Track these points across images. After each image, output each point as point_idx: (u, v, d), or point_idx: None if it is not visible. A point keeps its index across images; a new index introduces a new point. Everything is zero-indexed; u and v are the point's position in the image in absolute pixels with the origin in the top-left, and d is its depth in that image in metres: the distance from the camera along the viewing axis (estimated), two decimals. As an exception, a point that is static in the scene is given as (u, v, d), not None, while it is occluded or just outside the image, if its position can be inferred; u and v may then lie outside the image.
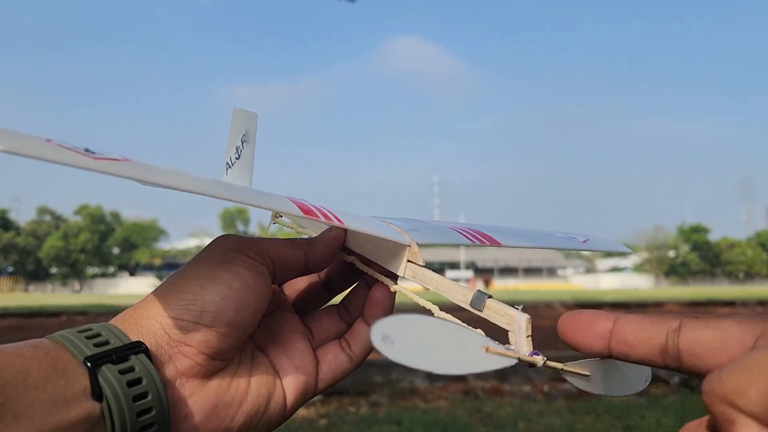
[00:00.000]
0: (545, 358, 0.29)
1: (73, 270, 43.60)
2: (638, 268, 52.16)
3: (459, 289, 0.34)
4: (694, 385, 4.51)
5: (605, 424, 3.41)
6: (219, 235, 0.37)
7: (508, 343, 0.30)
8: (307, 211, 0.33)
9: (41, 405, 0.28)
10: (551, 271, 56.27)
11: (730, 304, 14.23)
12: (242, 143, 0.54)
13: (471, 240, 0.43)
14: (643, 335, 0.25)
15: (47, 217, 45.41)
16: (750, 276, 49.64)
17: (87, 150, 0.28)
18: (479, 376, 4.44)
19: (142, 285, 40.64)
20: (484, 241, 0.43)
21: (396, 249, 0.38)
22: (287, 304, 0.42)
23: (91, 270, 45.66)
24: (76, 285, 43.64)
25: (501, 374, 4.40)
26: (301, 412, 3.62)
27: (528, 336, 0.29)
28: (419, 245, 0.38)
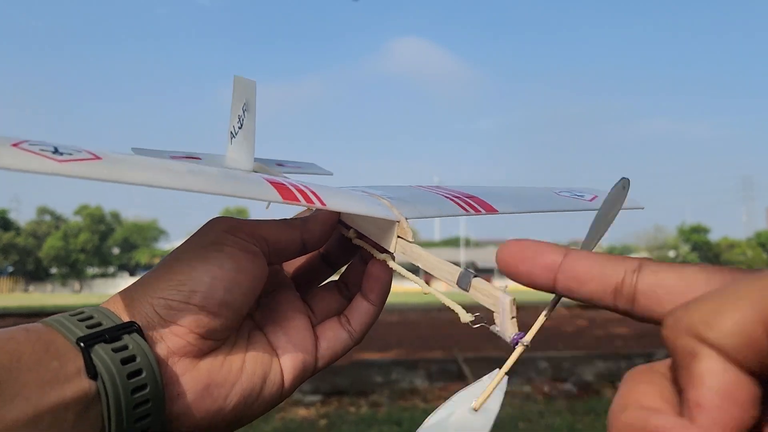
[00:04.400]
0: (528, 342, 0.28)
1: (73, 270, 43.59)
2: (638, 268, 51.96)
3: (446, 267, 0.33)
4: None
5: (605, 424, 3.41)
6: (212, 218, 0.37)
7: (494, 323, 0.29)
8: (287, 196, 0.32)
9: (36, 386, 0.28)
10: (551, 271, 56.12)
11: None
12: (243, 112, 0.54)
13: (465, 209, 0.41)
14: (597, 271, 0.23)
15: (47, 217, 45.41)
16: (750, 276, 49.57)
17: (56, 150, 0.28)
18: (479, 376, 4.42)
19: (142, 285, 40.56)
20: (480, 209, 0.41)
21: (386, 225, 0.37)
22: (287, 282, 0.41)
23: (91, 270, 45.64)
24: (76, 285, 43.62)
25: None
26: (301, 412, 3.62)
27: (512, 317, 0.29)
28: (410, 219, 0.37)
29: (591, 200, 0.47)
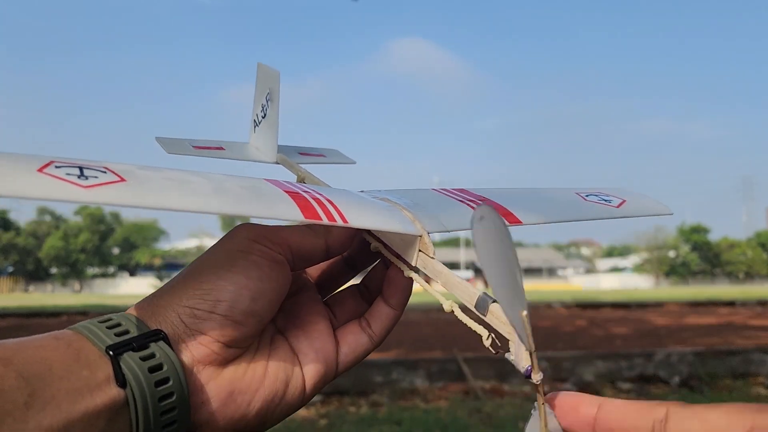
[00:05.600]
0: (541, 377, 0.28)
1: (73, 270, 43.54)
2: (638, 269, 52.10)
3: (466, 288, 0.33)
4: (694, 386, 4.51)
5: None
6: (238, 224, 0.37)
7: (509, 351, 0.29)
8: (309, 214, 0.32)
9: (67, 394, 0.28)
10: (551, 272, 56.20)
11: (730, 304, 14.23)
12: (267, 101, 0.54)
13: None
14: (628, 424, 0.25)
15: (47, 217, 45.36)
16: (750, 276, 49.59)
17: (81, 173, 0.28)
18: (479, 376, 4.43)
19: (143, 285, 40.58)
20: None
21: (408, 237, 0.37)
22: (309, 285, 0.41)
23: (91, 270, 45.59)
24: (76, 285, 43.60)
25: (501, 374, 4.40)
26: (301, 412, 3.61)
27: (527, 349, 0.29)
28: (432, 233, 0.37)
29: (619, 206, 0.45)
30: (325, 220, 0.33)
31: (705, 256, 50.10)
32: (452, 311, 0.35)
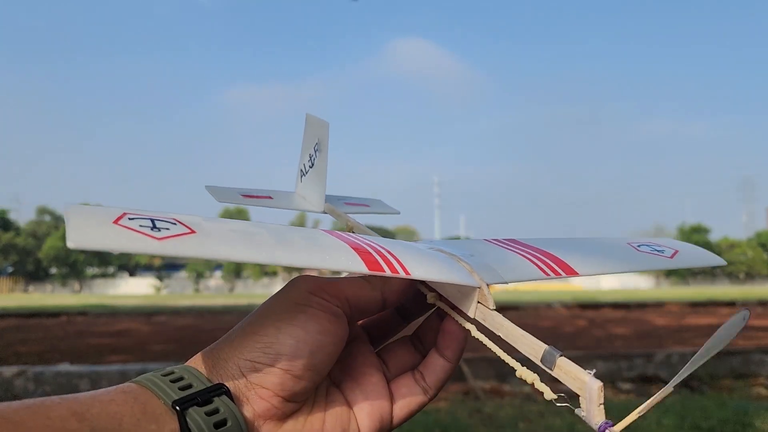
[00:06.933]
0: None
1: (72, 270, 43.52)
2: (638, 269, 52.01)
3: (530, 342, 0.32)
4: (694, 386, 4.51)
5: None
6: (296, 276, 0.38)
7: (579, 407, 0.29)
8: (373, 266, 0.33)
9: None
10: (551, 272, 56.11)
11: (731, 304, 14.23)
12: (315, 152, 0.55)
13: (546, 273, 0.39)
14: None
15: (47, 218, 45.38)
16: (750, 276, 49.60)
17: (153, 225, 0.29)
18: (479, 376, 4.43)
19: (142, 285, 40.59)
20: (560, 272, 0.40)
21: (467, 289, 0.36)
22: (362, 336, 0.41)
23: (91, 270, 45.57)
24: (76, 285, 43.59)
25: (501, 374, 4.40)
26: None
27: (600, 404, 0.28)
28: (492, 285, 0.36)
29: (672, 257, 0.45)
30: (387, 272, 0.33)
31: (705, 256, 49.99)
32: (521, 377, 0.34)
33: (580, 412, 0.29)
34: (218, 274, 42.87)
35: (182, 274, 42.62)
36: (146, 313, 12.12)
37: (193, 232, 0.30)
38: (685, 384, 4.55)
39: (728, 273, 50.19)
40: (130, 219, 0.29)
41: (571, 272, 0.40)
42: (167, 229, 0.29)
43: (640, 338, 7.12)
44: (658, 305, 13.84)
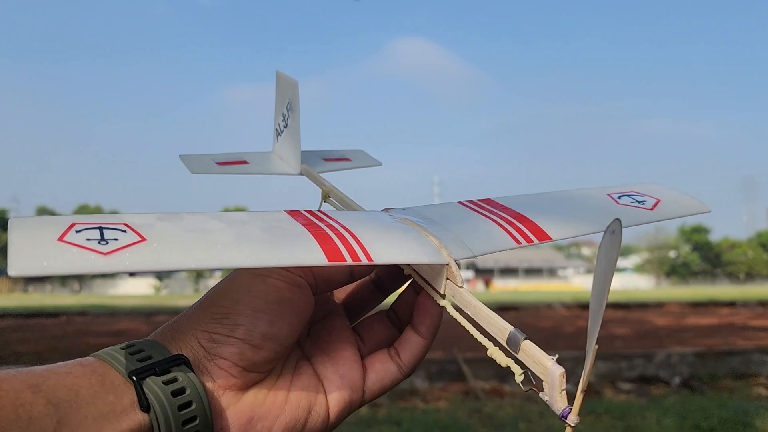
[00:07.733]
0: (578, 420, 0.27)
1: (73, 270, 43.53)
2: (639, 269, 52.11)
3: (497, 322, 0.32)
4: (695, 386, 4.51)
5: (606, 425, 3.40)
6: None
7: (543, 391, 0.29)
8: (333, 256, 0.32)
9: (94, 420, 0.29)
10: (552, 272, 56.20)
11: (731, 304, 14.22)
12: (287, 111, 0.54)
13: (517, 240, 0.38)
14: None
15: (47, 218, 45.37)
16: (751, 276, 49.62)
17: (101, 236, 0.28)
18: (479, 376, 4.43)
19: (142, 285, 40.62)
20: (532, 238, 0.39)
21: (436, 266, 0.35)
22: (337, 309, 0.41)
23: (92, 270, 45.60)
24: (76, 285, 43.61)
25: (501, 375, 4.39)
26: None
27: (562, 390, 0.28)
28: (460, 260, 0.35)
29: (652, 208, 0.43)
30: (349, 261, 0.32)
31: (706, 256, 50.12)
32: (492, 356, 0.33)
33: (544, 397, 0.29)
34: (218, 273, 42.90)
35: (182, 274, 42.65)
36: (146, 314, 12.13)
37: (143, 239, 0.28)
38: (685, 384, 4.54)
39: (729, 273, 50.21)
40: (77, 232, 0.27)
41: (545, 237, 0.39)
42: (116, 239, 0.28)
43: (640, 338, 7.11)
44: (658, 305, 13.84)
